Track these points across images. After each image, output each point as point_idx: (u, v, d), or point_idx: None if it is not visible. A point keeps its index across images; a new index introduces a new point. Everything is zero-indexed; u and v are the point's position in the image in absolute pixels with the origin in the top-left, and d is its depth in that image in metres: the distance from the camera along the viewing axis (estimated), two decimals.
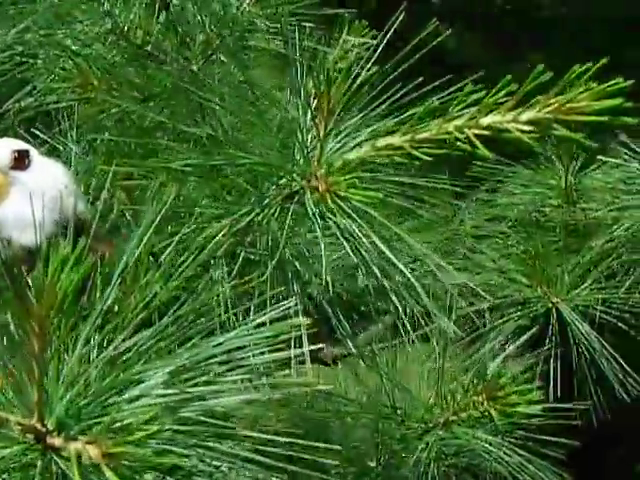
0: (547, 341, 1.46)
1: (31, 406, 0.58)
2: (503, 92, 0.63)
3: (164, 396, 0.58)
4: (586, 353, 1.48)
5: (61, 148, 1.12)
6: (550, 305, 1.52)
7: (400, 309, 0.86)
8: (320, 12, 1.14)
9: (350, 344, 1.02)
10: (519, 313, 1.51)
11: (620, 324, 1.50)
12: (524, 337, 1.34)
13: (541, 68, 0.60)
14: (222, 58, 1.12)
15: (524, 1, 3.01)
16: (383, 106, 0.82)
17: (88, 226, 0.96)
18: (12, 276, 0.56)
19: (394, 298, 0.80)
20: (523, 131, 0.61)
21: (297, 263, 0.86)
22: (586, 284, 1.54)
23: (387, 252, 0.76)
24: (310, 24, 1.14)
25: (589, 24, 3.01)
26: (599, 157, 1.65)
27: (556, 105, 0.60)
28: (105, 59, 1.04)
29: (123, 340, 0.58)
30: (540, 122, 0.61)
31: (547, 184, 1.73)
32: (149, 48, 1.09)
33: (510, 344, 1.35)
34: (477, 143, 0.65)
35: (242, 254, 0.80)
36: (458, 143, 0.68)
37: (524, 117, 0.62)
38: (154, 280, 0.61)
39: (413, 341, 1.24)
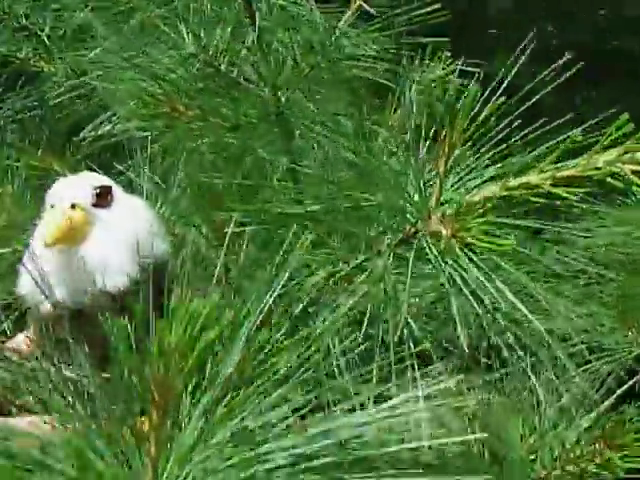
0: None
1: None
2: None
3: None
4: None
5: (138, 183, 1.05)
6: None
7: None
8: (415, 40, 1.06)
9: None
10: (608, 359, 1.43)
11: None
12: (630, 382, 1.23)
13: None
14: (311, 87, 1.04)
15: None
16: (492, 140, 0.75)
17: (171, 270, 0.89)
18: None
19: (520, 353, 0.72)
20: None
21: (412, 322, 0.78)
22: None
23: (521, 307, 0.68)
24: (407, 52, 1.07)
25: None
26: None
27: None
28: (191, 85, 0.97)
29: (245, 416, 0.50)
30: None
31: (631, 220, 1.64)
32: (235, 74, 1.02)
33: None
34: (636, 179, 0.57)
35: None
36: (608, 180, 0.60)
37: None
38: (281, 345, 0.53)
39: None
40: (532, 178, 0.68)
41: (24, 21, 1.58)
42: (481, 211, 0.69)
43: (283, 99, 1.03)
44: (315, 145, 0.92)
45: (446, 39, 1.13)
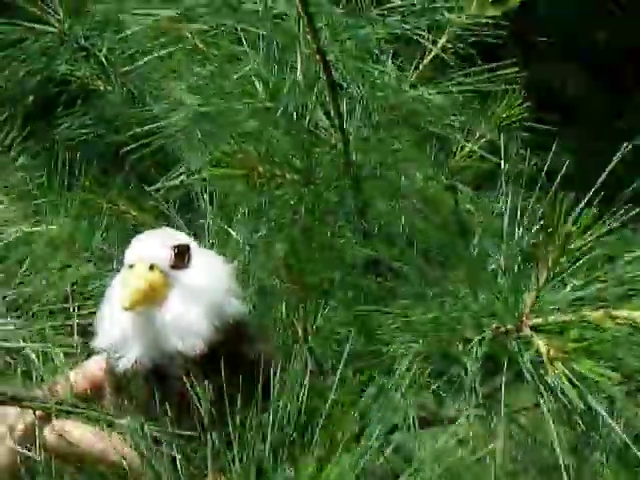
0: None
1: None
2: None
3: None
4: None
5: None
6: None
7: None
8: (488, 89, 1.06)
9: None
10: None
11: None
12: None
13: None
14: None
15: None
16: None
17: (248, 328, 0.90)
18: None
19: None
20: None
21: None
22: None
23: (618, 431, 0.68)
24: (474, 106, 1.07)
25: None
26: None
27: None
28: (265, 139, 0.98)
29: None
30: None
31: None
32: (306, 123, 1.02)
33: None
34: None
35: None
36: None
37: None
38: None
39: None
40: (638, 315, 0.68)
41: (83, 42, 1.60)
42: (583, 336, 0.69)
43: (353, 149, 1.03)
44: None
45: (517, 86, 1.13)
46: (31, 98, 1.62)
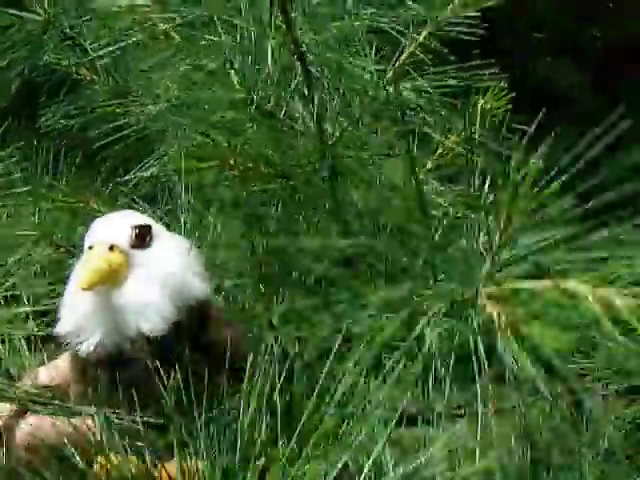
0: None
1: None
2: None
3: None
4: None
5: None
6: None
7: None
8: (474, 84, 1.05)
9: None
10: None
11: None
12: None
13: None
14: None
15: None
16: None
17: (212, 310, 0.88)
18: None
19: None
20: None
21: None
22: None
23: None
24: (452, 99, 1.05)
25: None
26: None
27: None
28: (239, 130, 0.96)
29: None
30: None
31: None
32: (282, 116, 1.01)
33: None
34: None
35: None
36: None
37: None
38: None
39: None
40: (575, 285, 0.65)
41: (68, 31, 1.59)
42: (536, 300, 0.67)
43: (330, 141, 1.02)
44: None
45: (505, 75, 1.11)
46: (14, 87, 1.60)
